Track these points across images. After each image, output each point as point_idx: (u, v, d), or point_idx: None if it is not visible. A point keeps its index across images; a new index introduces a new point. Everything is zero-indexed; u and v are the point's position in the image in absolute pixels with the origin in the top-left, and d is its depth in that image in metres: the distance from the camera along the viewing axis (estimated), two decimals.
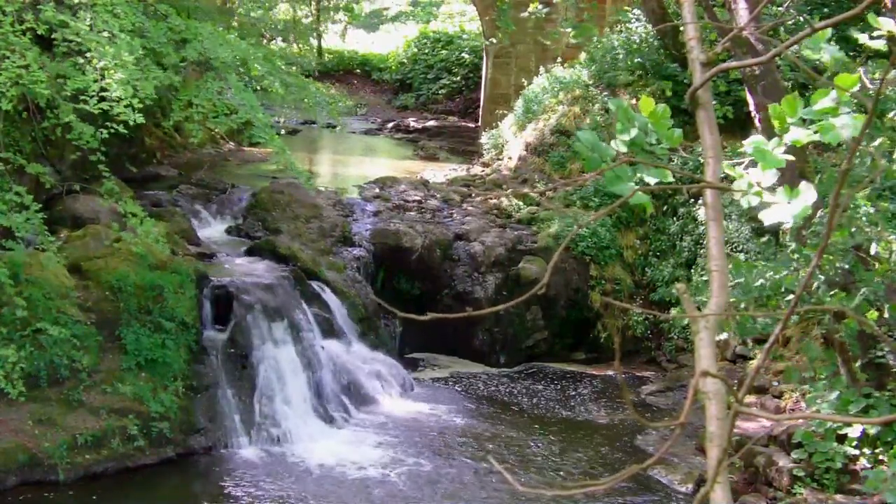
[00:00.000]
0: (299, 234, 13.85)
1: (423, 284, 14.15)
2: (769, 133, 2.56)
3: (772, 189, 2.47)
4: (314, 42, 34.18)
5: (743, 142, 2.56)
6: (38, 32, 9.13)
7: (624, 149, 2.46)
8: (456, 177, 18.76)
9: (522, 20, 19.89)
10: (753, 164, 2.53)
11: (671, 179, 2.51)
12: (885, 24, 2.62)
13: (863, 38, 2.71)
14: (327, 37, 35.11)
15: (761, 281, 8.47)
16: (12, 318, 9.44)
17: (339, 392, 11.77)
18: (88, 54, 9.10)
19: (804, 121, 2.44)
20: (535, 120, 17.79)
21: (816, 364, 9.60)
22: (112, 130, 9.28)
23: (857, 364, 9.15)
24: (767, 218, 2.45)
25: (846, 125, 2.35)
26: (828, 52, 2.46)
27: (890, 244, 8.27)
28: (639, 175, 2.46)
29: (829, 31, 2.45)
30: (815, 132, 2.41)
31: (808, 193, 2.37)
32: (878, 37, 2.69)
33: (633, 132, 2.44)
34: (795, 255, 8.82)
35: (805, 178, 9.62)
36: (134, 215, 10.30)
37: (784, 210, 2.40)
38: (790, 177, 9.58)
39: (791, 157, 2.48)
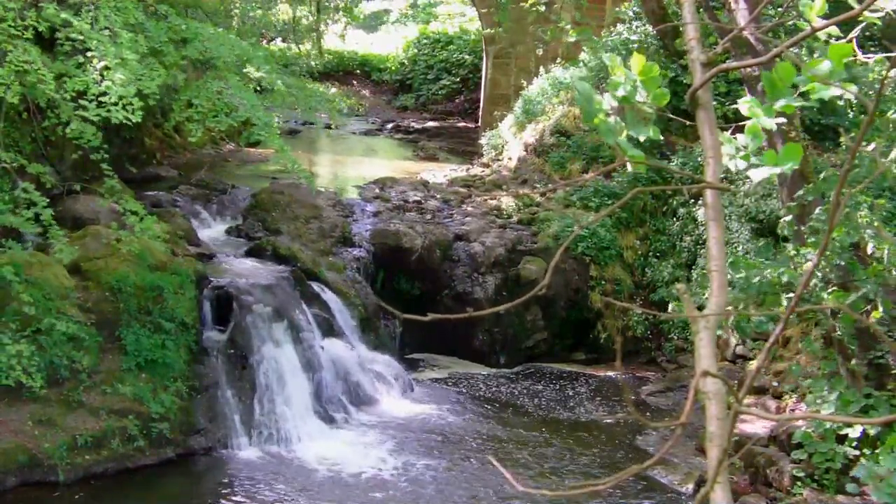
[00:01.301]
0: (299, 234, 13.85)
1: (423, 285, 14.15)
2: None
3: (758, 153, 2.48)
4: (313, 43, 34.17)
5: (737, 101, 2.58)
6: (40, 30, 9.12)
7: (615, 103, 2.47)
8: (456, 177, 18.76)
9: (522, 19, 19.90)
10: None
11: (660, 138, 2.53)
12: (887, 3, 2.63)
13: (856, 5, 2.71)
14: (327, 37, 35.12)
15: (759, 278, 8.48)
16: (13, 318, 9.43)
17: (338, 392, 11.77)
18: (90, 53, 9.10)
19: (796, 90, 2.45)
20: (534, 120, 17.80)
21: (817, 362, 9.60)
22: (118, 121, 9.24)
23: (853, 362, 9.15)
24: (755, 175, 2.46)
25: (837, 89, 2.35)
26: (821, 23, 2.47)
27: (885, 243, 8.28)
28: (627, 131, 2.47)
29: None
30: (804, 94, 2.41)
31: (794, 154, 2.37)
32: (876, 13, 2.70)
33: (627, 88, 2.46)
34: (793, 254, 8.83)
35: (805, 177, 9.63)
36: (134, 213, 10.31)
37: (771, 168, 2.41)
38: (792, 177, 9.59)
39: (783, 120, 2.49)
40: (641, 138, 2.49)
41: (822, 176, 8.65)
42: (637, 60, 2.49)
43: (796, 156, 2.36)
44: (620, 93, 2.46)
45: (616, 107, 2.50)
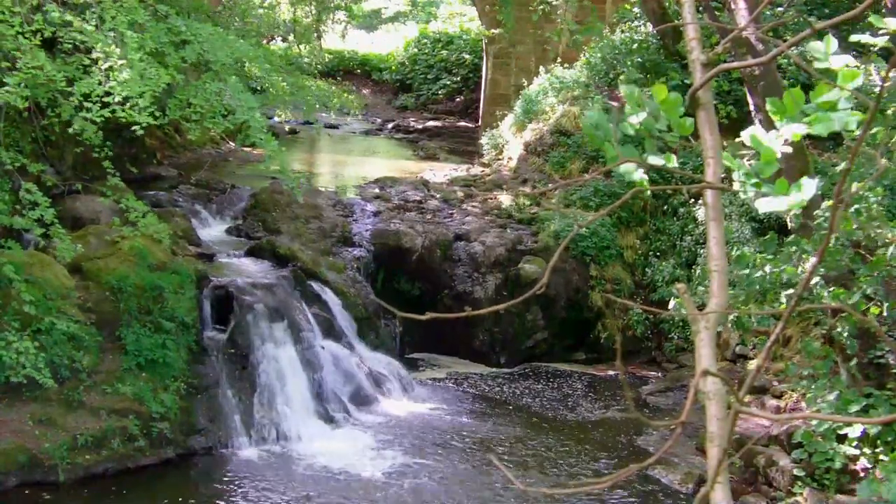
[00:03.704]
0: (299, 234, 13.85)
1: (424, 285, 14.15)
2: (769, 130, 2.57)
3: (770, 181, 2.47)
4: (312, 43, 34.14)
5: (741, 133, 2.57)
6: (45, 35, 9.10)
7: (632, 132, 2.45)
8: (456, 177, 18.76)
9: (523, 19, 19.91)
10: (755, 157, 2.54)
11: (675, 164, 2.52)
12: (890, 24, 2.62)
13: (864, 38, 2.71)
14: (327, 37, 35.10)
15: (761, 273, 8.48)
16: (14, 318, 9.43)
17: (339, 392, 11.77)
18: (94, 54, 9.09)
19: (805, 115, 2.44)
20: (534, 120, 17.80)
21: (814, 361, 9.60)
22: (125, 120, 9.22)
23: (853, 363, 9.15)
24: (762, 206, 2.45)
25: (841, 119, 2.35)
26: (837, 61, 2.46)
27: (887, 240, 8.28)
28: (644, 157, 2.46)
29: (834, 41, 2.45)
30: (809, 124, 2.41)
31: (807, 186, 2.37)
32: (883, 34, 2.69)
33: (642, 116, 2.44)
34: (794, 248, 8.83)
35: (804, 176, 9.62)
36: (136, 210, 10.32)
37: (780, 201, 2.41)
38: (790, 175, 9.61)
39: (789, 149, 2.48)
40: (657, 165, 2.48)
41: (830, 173, 8.66)
42: (659, 90, 2.48)
43: (809, 190, 2.36)
44: (637, 120, 2.45)
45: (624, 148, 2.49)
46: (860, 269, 8.64)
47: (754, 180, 2.46)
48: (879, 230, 8.27)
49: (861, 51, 11.83)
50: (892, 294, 8.61)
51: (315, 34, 33.54)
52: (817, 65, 2.45)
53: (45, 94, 9.30)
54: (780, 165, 2.52)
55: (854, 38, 2.71)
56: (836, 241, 8.40)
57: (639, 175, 2.45)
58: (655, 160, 2.46)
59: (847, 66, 2.40)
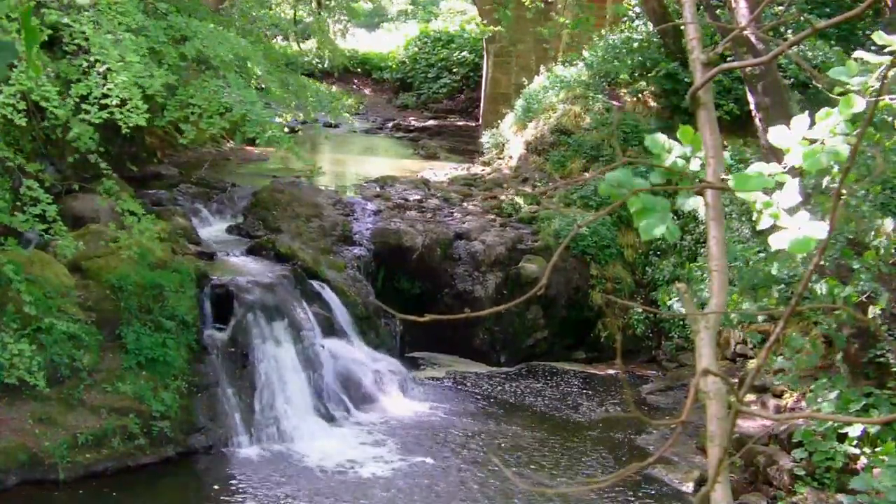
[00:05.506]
0: (300, 233, 13.85)
1: (424, 284, 14.14)
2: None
3: (790, 210, 2.49)
4: (321, 42, 34.12)
5: (752, 168, 2.57)
6: (44, 38, 9.09)
7: (661, 180, 2.46)
8: (456, 176, 18.75)
9: (524, 18, 19.92)
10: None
11: (702, 206, 2.53)
12: (893, 40, 2.63)
13: (867, 56, 2.72)
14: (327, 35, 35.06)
15: (752, 264, 8.50)
16: (14, 317, 9.43)
17: (339, 391, 11.78)
18: (92, 57, 9.07)
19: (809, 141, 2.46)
20: (535, 119, 17.79)
21: (796, 356, 9.59)
22: (123, 125, 9.21)
23: (840, 355, 9.15)
24: (775, 243, 2.48)
25: (830, 150, 2.38)
26: (855, 81, 2.48)
27: (882, 233, 8.29)
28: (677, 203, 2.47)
29: (854, 65, 2.47)
30: (803, 159, 2.44)
31: (818, 228, 2.39)
32: (886, 52, 2.70)
33: (672, 158, 2.45)
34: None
35: (802, 176, 9.64)
36: (132, 213, 10.29)
37: (790, 240, 2.43)
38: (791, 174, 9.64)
39: (788, 178, 2.50)
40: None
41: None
42: (685, 132, 2.49)
43: (821, 232, 2.39)
44: (667, 163, 2.46)
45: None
46: (855, 264, 8.65)
47: (772, 210, 2.48)
48: (869, 223, 8.28)
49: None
50: (890, 291, 8.62)
51: (322, 32, 33.50)
52: (839, 88, 2.46)
53: (40, 97, 9.28)
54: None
55: (857, 55, 2.71)
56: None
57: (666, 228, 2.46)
58: (691, 204, 2.47)
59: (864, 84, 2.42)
